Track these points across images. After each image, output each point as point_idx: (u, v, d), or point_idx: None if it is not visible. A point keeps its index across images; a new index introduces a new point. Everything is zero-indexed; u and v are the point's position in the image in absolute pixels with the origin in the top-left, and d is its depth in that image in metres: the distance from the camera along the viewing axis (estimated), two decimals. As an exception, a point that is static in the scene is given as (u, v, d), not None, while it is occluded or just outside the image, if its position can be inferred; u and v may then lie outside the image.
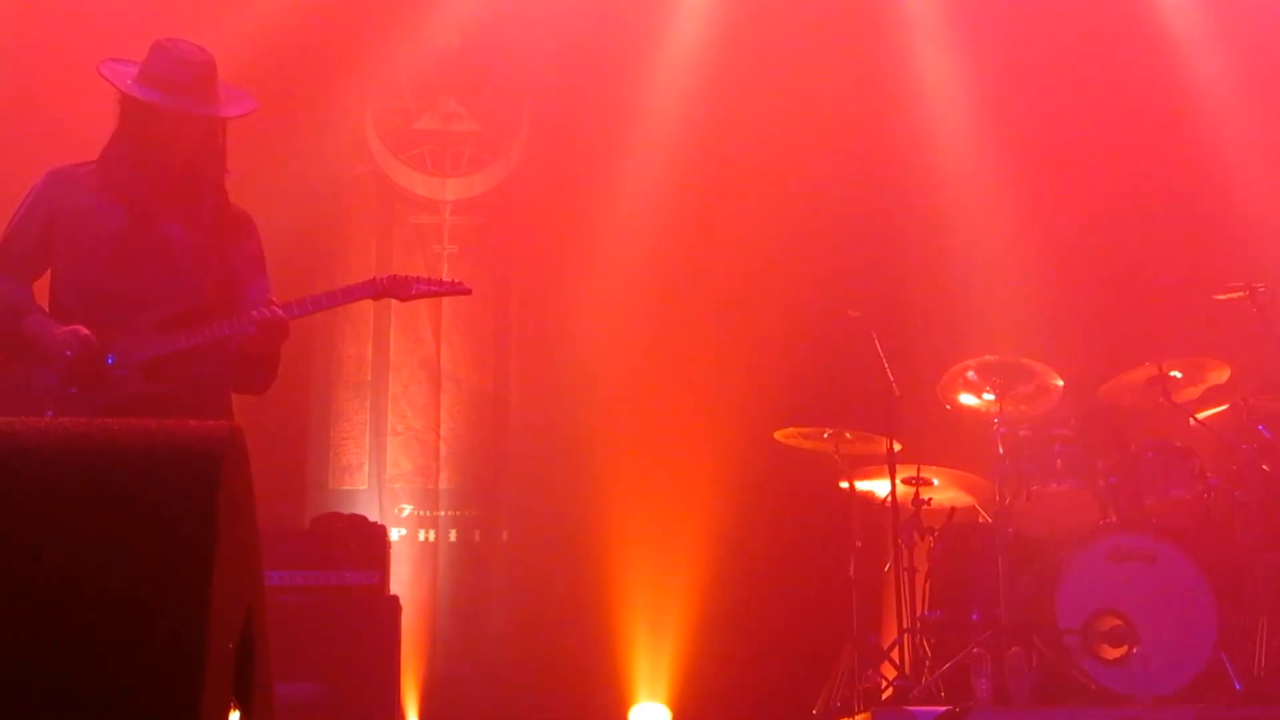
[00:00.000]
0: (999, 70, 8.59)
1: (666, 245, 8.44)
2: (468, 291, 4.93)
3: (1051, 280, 8.09)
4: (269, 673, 2.68)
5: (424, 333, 8.52)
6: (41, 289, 4.67)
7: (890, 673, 6.89)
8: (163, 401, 4.38)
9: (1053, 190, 8.34)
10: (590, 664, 8.03)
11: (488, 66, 8.89)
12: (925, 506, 6.99)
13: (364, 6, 8.51)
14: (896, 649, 6.88)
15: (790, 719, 7.44)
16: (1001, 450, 6.90)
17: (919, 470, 7.03)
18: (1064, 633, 6.48)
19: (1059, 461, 6.97)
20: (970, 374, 7.13)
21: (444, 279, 4.94)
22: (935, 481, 7.13)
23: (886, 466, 6.86)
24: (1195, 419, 7.05)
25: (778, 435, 7.35)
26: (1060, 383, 7.12)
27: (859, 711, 6.53)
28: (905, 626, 6.80)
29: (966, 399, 7.24)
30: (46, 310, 4.59)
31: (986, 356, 7.11)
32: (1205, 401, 7.17)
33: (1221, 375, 7.09)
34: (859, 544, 7.15)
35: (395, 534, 8.03)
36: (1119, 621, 6.49)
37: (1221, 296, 6.90)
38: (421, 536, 8.33)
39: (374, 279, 4.75)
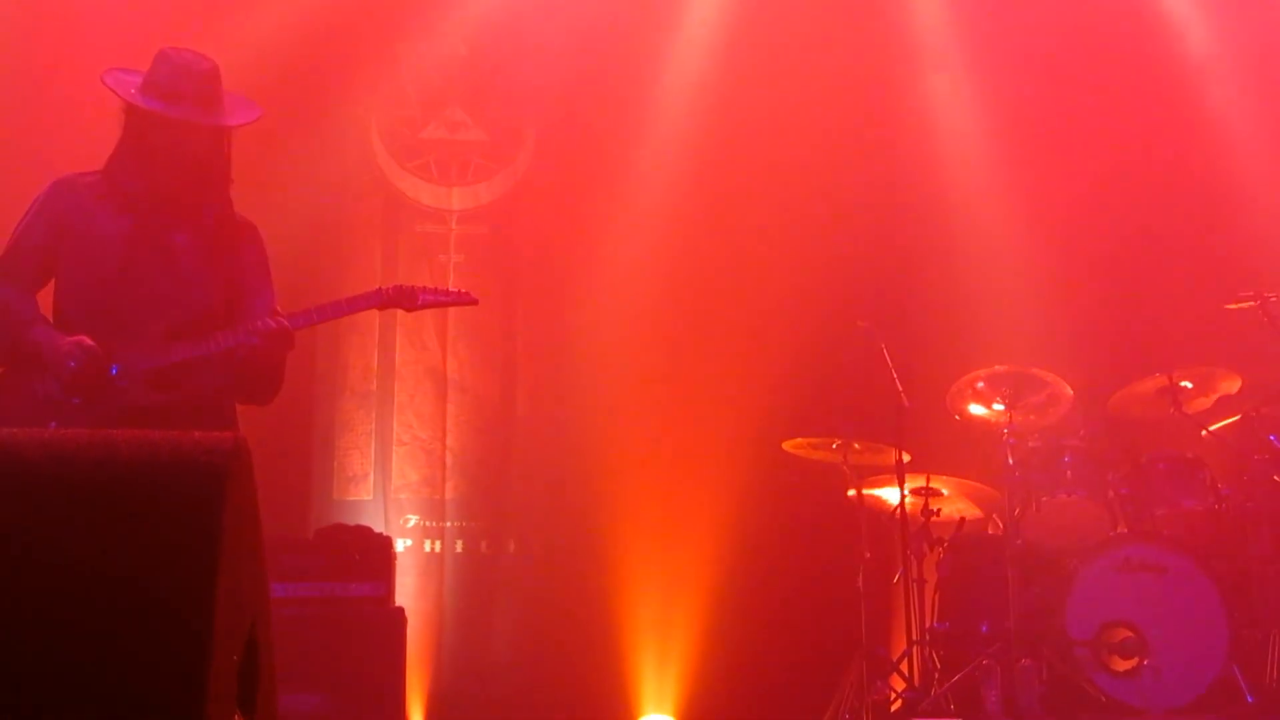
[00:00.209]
0: (1009, 80, 8.56)
1: (674, 254, 8.41)
2: (474, 302, 4.93)
3: (1061, 290, 8.06)
4: (273, 684, 2.67)
5: (430, 342, 8.49)
6: (46, 299, 4.66)
7: (899, 685, 6.87)
8: (167, 412, 4.40)
9: (1063, 200, 8.31)
10: (597, 675, 7.98)
11: (494, 75, 8.86)
12: (934, 517, 6.94)
13: (369, 16, 8.48)
14: (905, 661, 6.83)
15: (798, 731, 7.43)
16: (1011, 461, 6.89)
17: (928, 481, 6.99)
18: (1074, 644, 6.46)
19: (1069, 472, 6.96)
20: (980, 384, 7.14)
21: (450, 289, 4.94)
22: (944, 492, 7.10)
23: (895, 477, 6.81)
24: (1206, 430, 7.04)
25: (786, 445, 7.31)
26: (1070, 393, 7.11)
27: (867, 724, 6.52)
28: (914, 638, 6.75)
29: (976, 409, 7.23)
30: (51, 320, 4.57)
31: (996, 367, 7.11)
32: (1216, 412, 7.17)
33: (1232, 385, 7.08)
34: (867, 555, 7.11)
35: (401, 545, 7.98)
36: (1130, 633, 6.46)
37: (1232, 306, 6.88)
38: (427, 547, 8.29)
39: (380, 289, 4.77)
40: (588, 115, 8.74)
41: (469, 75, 8.86)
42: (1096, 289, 8.14)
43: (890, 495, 7.07)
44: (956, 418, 7.30)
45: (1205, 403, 7.11)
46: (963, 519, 7.16)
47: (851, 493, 7.25)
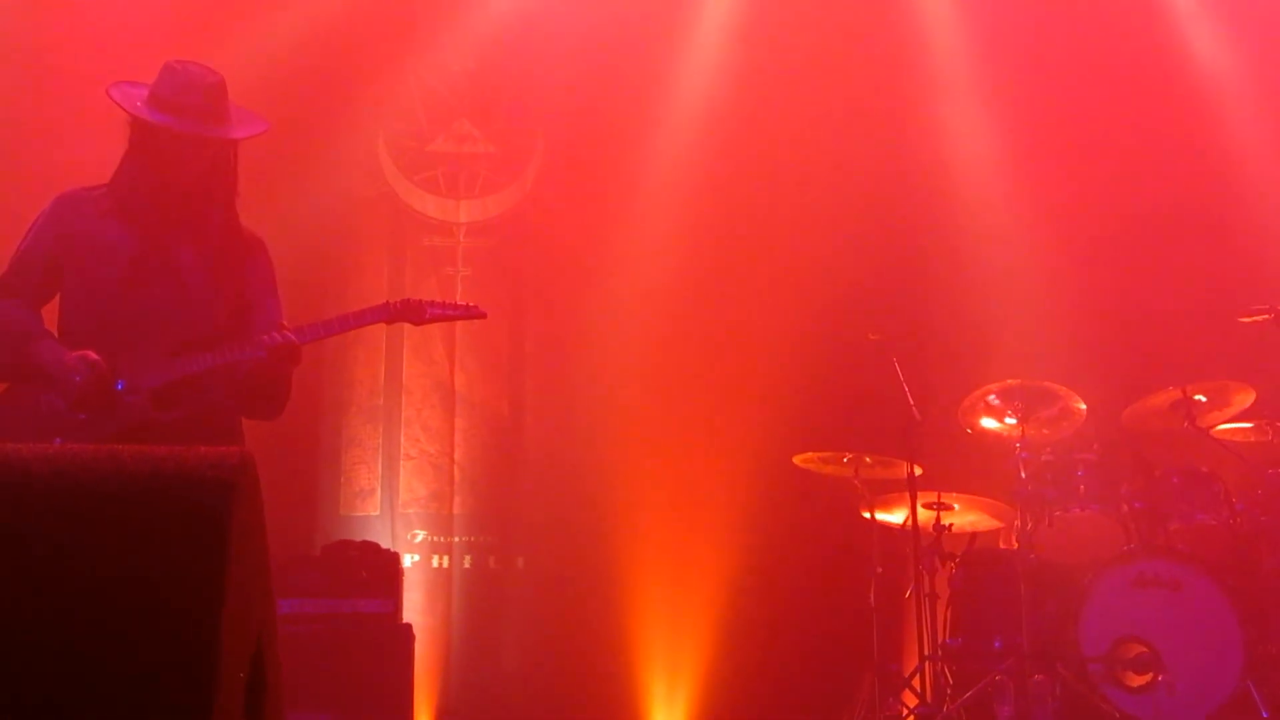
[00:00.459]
0: (1022, 94, 8.54)
1: (682, 267, 8.40)
2: (483, 315, 4.90)
3: (1074, 303, 8.04)
4: (280, 702, 2.67)
5: (438, 355, 8.48)
6: (51, 313, 4.64)
7: (911, 701, 6.84)
8: (173, 427, 4.39)
9: (1076, 212, 8.29)
10: (607, 692, 7.96)
11: (501, 88, 8.86)
12: (946, 532, 6.93)
13: (377, 28, 8.49)
14: (918, 677, 6.79)
15: (810, 748, 7.40)
16: (1023, 475, 6.87)
17: (940, 495, 6.98)
18: (1088, 660, 6.43)
19: (1082, 486, 6.92)
20: (992, 398, 7.12)
21: (458, 302, 4.92)
22: (956, 506, 7.09)
23: (907, 491, 6.80)
24: (1220, 443, 6.96)
25: (797, 460, 7.29)
26: (1083, 407, 7.08)
27: (880, 740, 6.50)
28: (926, 654, 6.73)
29: (988, 423, 7.22)
30: (56, 335, 4.56)
31: (1008, 380, 7.08)
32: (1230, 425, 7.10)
33: (1246, 399, 7.05)
34: (879, 570, 7.10)
35: (408, 560, 7.99)
36: (1143, 649, 6.44)
37: (1246, 319, 6.85)
38: (435, 563, 8.26)
39: (387, 303, 4.74)
40: (596, 128, 8.73)
41: (476, 88, 8.86)
42: (1109, 302, 8.12)
43: (902, 510, 7.05)
44: (968, 431, 7.28)
45: (1219, 416, 7.08)
46: (975, 533, 7.16)
47: (863, 508, 7.23)
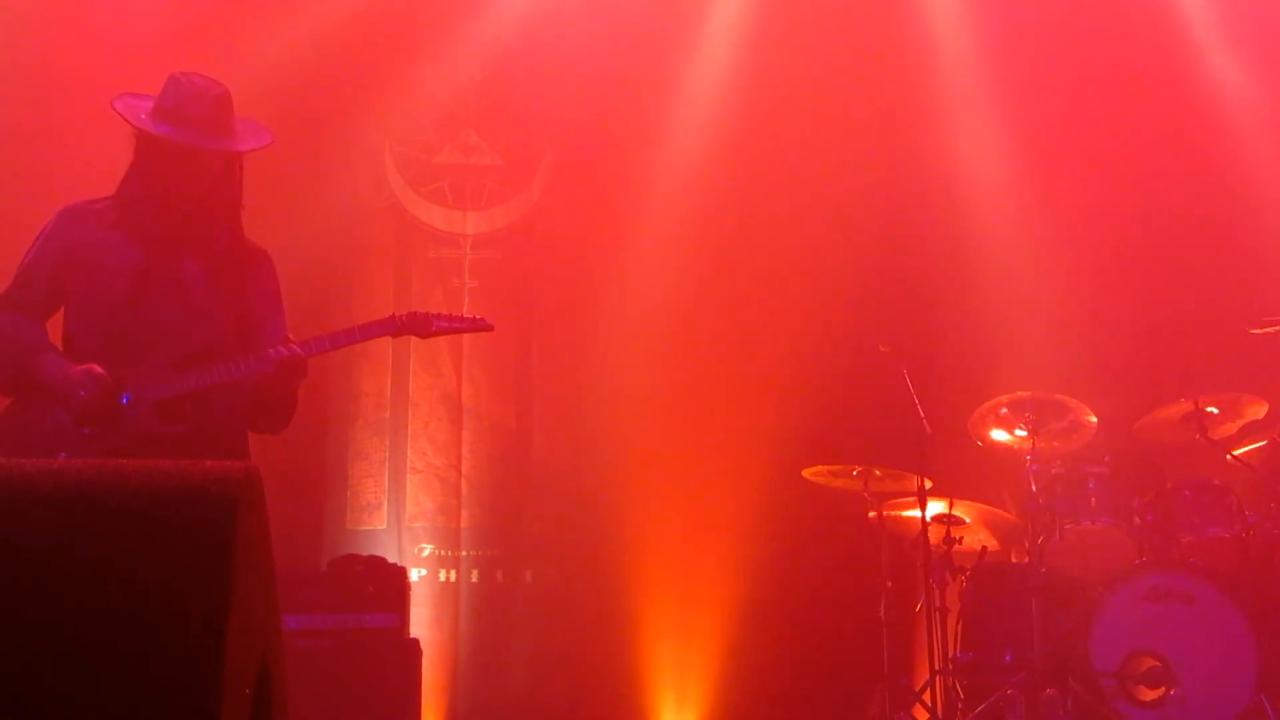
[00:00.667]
0: (1033, 104, 8.51)
1: (691, 279, 8.38)
2: (489, 328, 4.90)
3: (1085, 315, 8.02)
4: (286, 718, 2.68)
5: (445, 368, 8.46)
6: (55, 327, 4.63)
7: (922, 715, 6.83)
8: (178, 442, 4.40)
9: (1087, 223, 8.27)
10: (616, 707, 7.93)
11: (508, 99, 8.85)
12: (957, 545, 6.88)
13: (383, 40, 8.47)
14: (928, 691, 6.79)
15: (820, 763, 7.38)
16: (1034, 488, 6.85)
17: (950, 508, 6.96)
18: (1099, 674, 6.41)
19: (1093, 499, 6.91)
20: (1002, 410, 7.09)
21: (464, 315, 4.92)
22: (967, 520, 7.07)
23: (917, 504, 6.78)
24: (1232, 455, 6.98)
25: (806, 473, 7.27)
26: (1094, 419, 7.05)
27: (891, 755, 6.47)
28: (937, 668, 6.70)
29: (999, 435, 7.19)
30: (60, 349, 4.56)
31: (1019, 392, 7.05)
32: (1242, 438, 7.12)
33: (1259, 411, 7.02)
34: (889, 584, 7.07)
35: (415, 575, 7.97)
36: (1156, 663, 6.41)
37: (1258, 331, 6.83)
38: (443, 577, 8.24)
39: (393, 316, 4.74)
40: (603, 139, 8.72)
41: (483, 99, 8.85)
42: (1121, 313, 8.08)
43: (912, 523, 7.01)
44: (979, 444, 7.25)
45: (1231, 428, 7.04)
46: (985, 547, 7.11)
47: (872, 514, 7.20)
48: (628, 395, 8.30)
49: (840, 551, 7.82)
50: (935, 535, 6.84)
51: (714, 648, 8.02)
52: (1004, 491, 7.24)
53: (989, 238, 8.38)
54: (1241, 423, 7.04)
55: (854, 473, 7.12)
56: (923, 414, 6.79)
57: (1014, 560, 7.23)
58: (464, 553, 8.29)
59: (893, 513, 7.19)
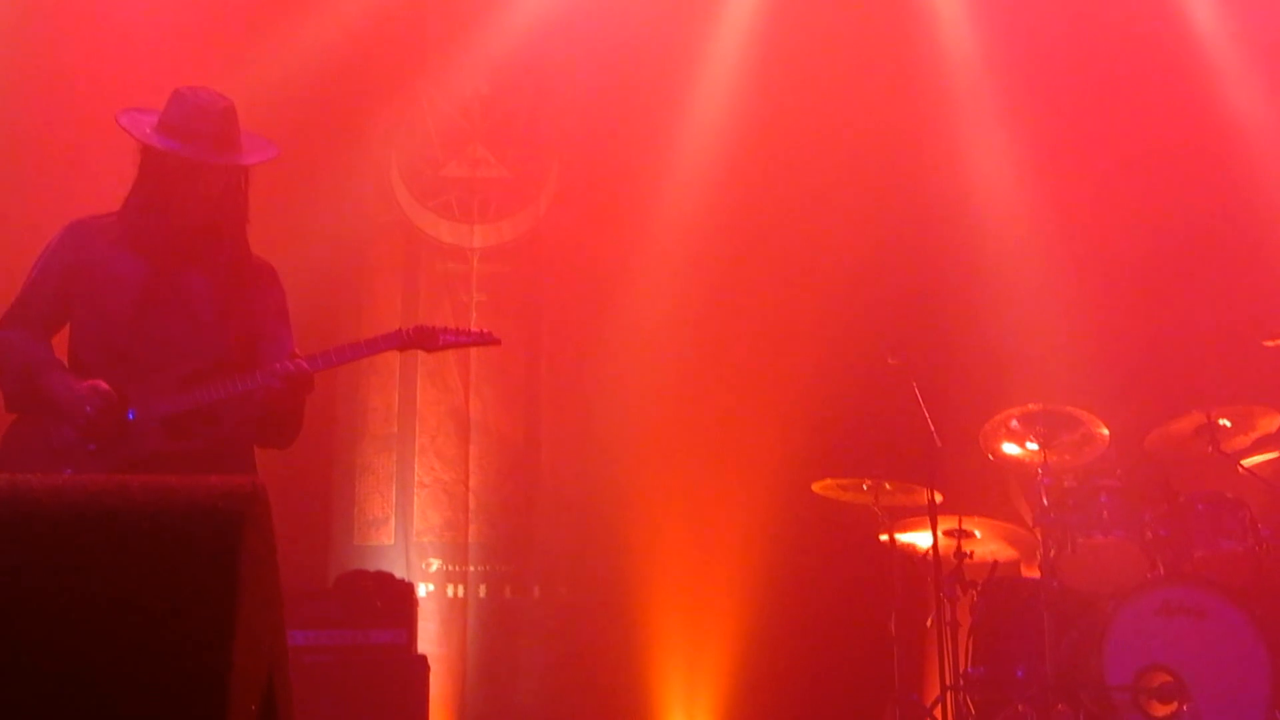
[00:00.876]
0: (1043, 114, 8.49)
1: (699, 292, 8.38)
2: (496, 341, 4.91)
3: (1096, 326, 7.97)
4: None
5: (452, 382, 8.45)
6: (61, 343, 4.63)
7: (933, 731, 6.76)
8: (184, 458, 4.40)
9: (1098, 234, 8.24)
10: (625, 723, 7.92)
11: (515, 112, 8.86)
12: (968, 560, 6.84)
13: (389, 53, 8.48)
14: (939, 707, 6.71)
15: (831, 779, 7.36)
16: (1046, 501, 6.80)
17: (961, 522, 6.90)
18: (1112, 690, 6.35)
19: (1105, 513, 6.83)
20: (1013, 423, 7.04)
21: (472, 329, 4.94)
22: (978, 534, 7.01)
23: (927, 518, 6.74)
24: (1245, 468, 6.93)
25: (815, 487, 7.24)
26: (1106, 432, 7.00)
27: (902, 772, 6.44)
28: (948, 683, 6.64)
29: (1009, 449, 7.15)
30: (66, 365, 4.55)
31: (1030, 405, 7.00)
32: (1256, 450, 7.07)
33: (1272, 423, 6.98)
34: (900, 599, 7.06)
35: (423, 590, 7.96)
36: (1169, 678, 6.35)
37: (1270, 343, 6.82)
38: (450, 593, 8.22)
39: (400, 330, 4.74)
40: (611, 152, 8.72)
41: (490, 112, 8.85)
42: (1133, 325, 8.05)
43: (922, 537, 6.99)
44: (990, 457, 7.21)
45: (1244, 441, 7.00)
46: (996, 561, 7.08)
47: (883, 535, 7.17)
48: (636, 409, 8.30)
49: (850, 566, 7.80)
50: (946, 549, 6.81)
51: (723, 663, 8.00)
52: (1015, 505, 7.20)
53: (999, 249, 8.35)
54: (1255, 435, 7.00)
55: (864, 486, 7.10)
56: (933, 427, 6.74)
57: (1025, 574, 7.19)
58: (472, 568, 8.28)
59: (904, 534, 7.15)
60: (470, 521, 8.33)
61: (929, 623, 6.90)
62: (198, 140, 4.44)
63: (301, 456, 5.08)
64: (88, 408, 4.34)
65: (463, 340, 4.82)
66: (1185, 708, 6.27)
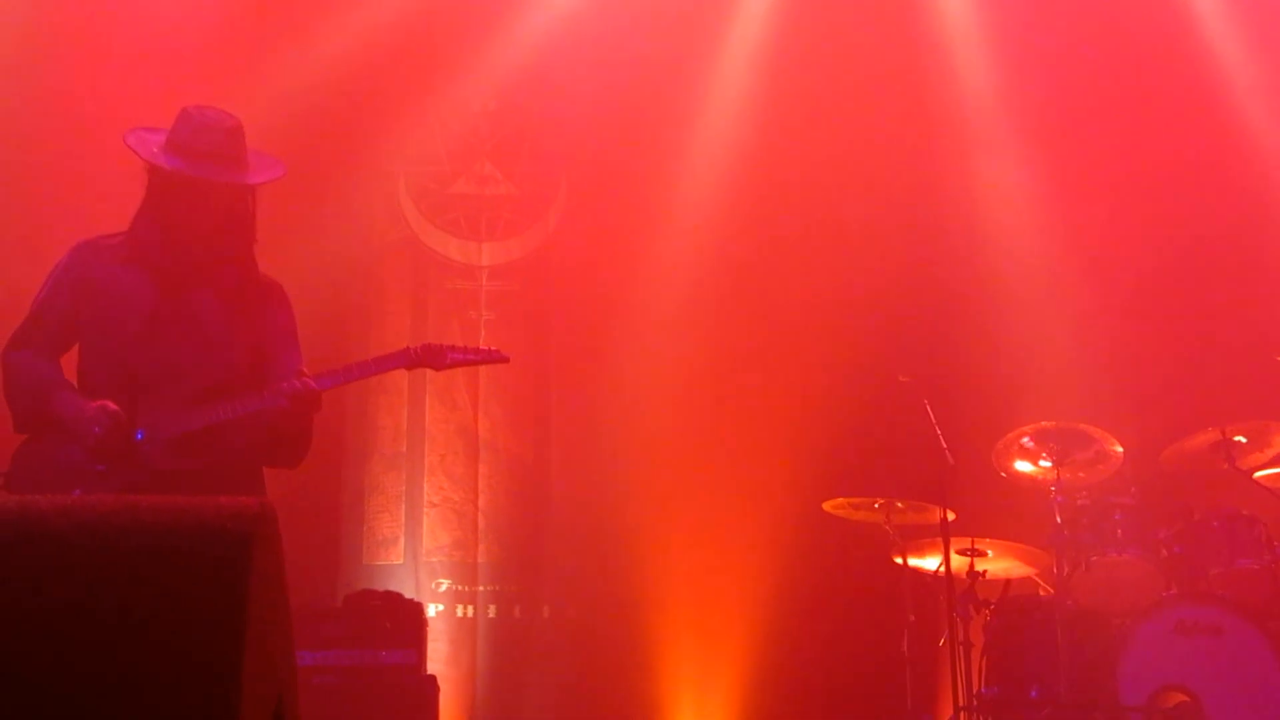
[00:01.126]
0: (1055, 130, 8.50)
1: (709, 309, 8.39)
2: (505, 359, 4.88)
3: (1109, 343, 7.98)
4: None
5: (461, 401, 8.45)
6: (70, 363, 4.62)
7: (946, 752, 6.72)
8: (193, 478, 4.37)
9: (1111, 250, 8.26)
10: (635, 742, 7.90)
11: (523, 129, 8.86)
12: (981, 578, 6.81)
13: (397, 70, 8.49)
14: (952, 727, 6.69)
15: (843, 800, 7.34)
16: (1059, 520, 6.79)
17: (974, 541, 6.87)
18: (1127, 710, 6.35)
19: (1119, 531, 6.85)
20: (1026, 440, 7.05)
21: (480, 347, 4.92)
22: (990, 552, 6.99)
23: (940, 537, 6.70)
24: (1261, 485, 6.87)
25: (827, 506, 7.22)
26: (1119, 449, 6.99)
27: (916, 793, 6.41)
28: (961, 704, 6.60)
29: (1022, 466, 7.15)
30: (75, 385, 4.55)
31: (1043, 422, 7.01)
32: (1271, 466, 7.01)
33: (1287, 439, 6.93)
34: (912, 618, 7.04)
35: (432, 610, 7.96)
36: (1185, 698, 6.33)
37: (1285, 359, 6.77)
38: (460, 612, 8.21)
39: (408, 348, 4.72)
40: (619, 168, 8.74)
41: (498, 129, 8.86)
42: (1146, 341, 8.06)
43: (935, 556, 6.94)
44: (1002, 475, 7.20)
45: (1260, 457, 6.97)
46: (1010, 580, 7.04)
47: (895, 555, 7.14)
48: (646, 427, 8.30)
49: (862, 585, 7.79)
50: (959, 568, 6.78)
51: (734, 683, 7.99)
52: (1028, 523, 7.15)
53: (1010, 265, 8.37)
54: (1270, 452, 6.97)
55: (875, 505, 7.08)
56: (945, 445, 6.71)
57: (1039, 593, 7.15)
58: (481, 588, 8.27)
59: (916, 554, 7.11)
60: (479, 541, 8.32)
61: (942, 642, 6.89)
62: (204, 160, 4.43)
63: (310, 476, 5.08)
64: (96, 428, 4.33)
65: (470, 359, 4.80)
66: (1201, 728, 6.25)
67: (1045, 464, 6.97)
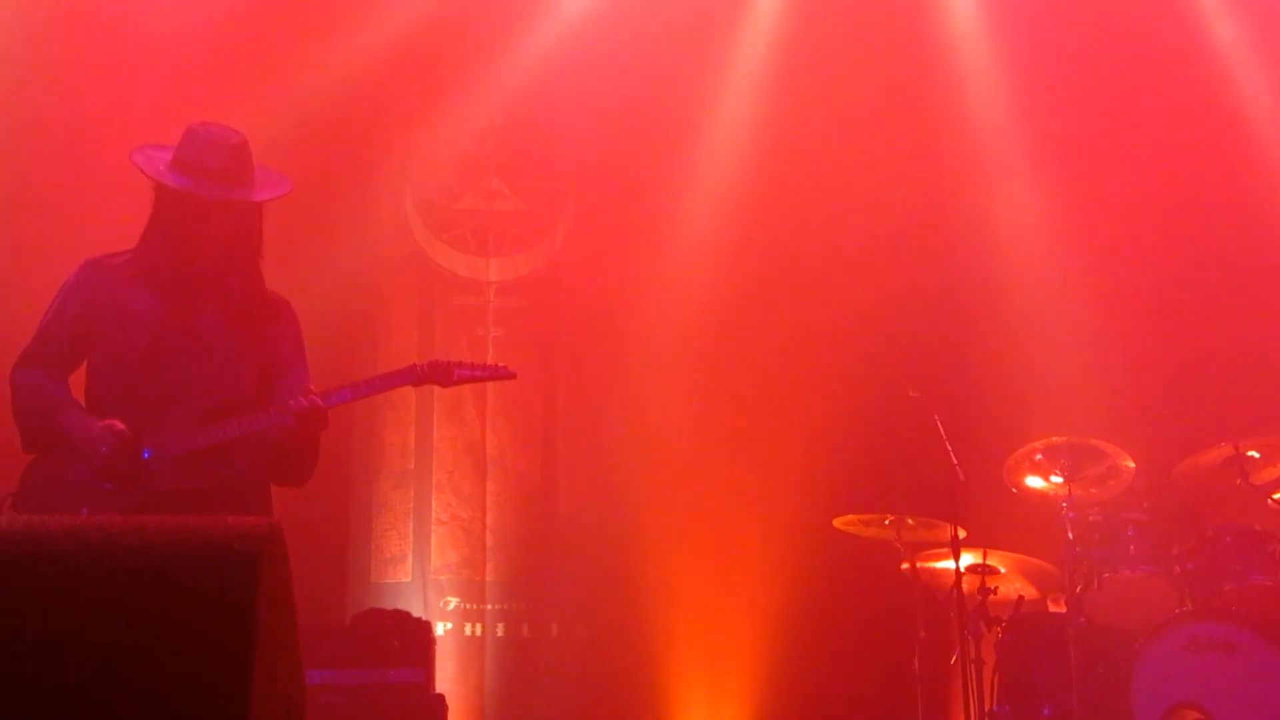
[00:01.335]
0: (1064, 143, 8.49)
1: (717, 325, 8.38)
2: (512, 376, 4.87)
3: (1121, 357, 7.95)
4: None
5: (469, 417, 8.44)
6: (78, 381, 4.61)
7: (959, 771, 6.69)
8: (200, 497, 4.37)
9: (1122, 263, 8.24)
10: (645, 762, 7.88)
11: (531, 143, 8.86)
12: (992, 595, 6.78)
13: (404, 85, 8.50)
14: (964, 746, 6.66)
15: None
16: (1071, 536, 6.75)
17: (985, 557, 6.85)
18: (1141, 728, 6.29)
19: (1132, 547, 6.79)
20: (1037, 456, 7.01)
21: (487, 363, 4.91)
22: (1002, 569, 6.97)
23: (951, 554, 6.67)
24: (1275, 501, 6.84)
25: (837, 523, 7.18)
26: (1132, 464, 6.96)
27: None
28: (973, 722, 6.57)
29: (1034, 482, 7.11)
30: (83, 404, 4.54)
31: (1054, 438, 6.96)
32: (1284, 482, 6.98)
33: (1301, 455, 6.90)
34: (923, 635, 7.00)
35: (440, 629, 7.95)
36: (1198, 715, 6.28)
37: (1298, 372, 6.75)
38: (468, 631, 8.19)
39: (414, 365, 4.72)
40: (627, 183, 8.74)
41: (505, 144, 8.86)
42: (1158, 355, 8.04)
43: (946, 573, 6.91)
44: (1013, 491, 7.17)
45: (1274, 473, 6.94)
46: (1021, 597, 7.00)
47: (905, 566, 7.11)
48: (654, 444, 8.28)
49: (872, 603, 7.75)
50: (970, 585, 6.73)
51: (743, 701, 7.97)
52: (1040, 540, 7.12)
53: (1021, 280, 8.35)
54: (1284, 467, 6.95)
55: (886, 522, 7.04)
56: (955, 461, 6.68)
57: (1051, 610, 7.14)
58: (489, 606, 8.25)
59: (926, 563, 7.08)
60: (487, 559, 8.30)
61: (953, 660, 6.85)
62: (210, 177, 4.44)
63: (318, 493, 5.06)
64: (103, 447, 4.33)
65: (477, 375, 4.79)
66: (1216, 746, 6.20)
67: (1057, 480, 6.94)
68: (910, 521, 7.00)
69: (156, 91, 7.52)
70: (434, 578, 8.25)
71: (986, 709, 6.63)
